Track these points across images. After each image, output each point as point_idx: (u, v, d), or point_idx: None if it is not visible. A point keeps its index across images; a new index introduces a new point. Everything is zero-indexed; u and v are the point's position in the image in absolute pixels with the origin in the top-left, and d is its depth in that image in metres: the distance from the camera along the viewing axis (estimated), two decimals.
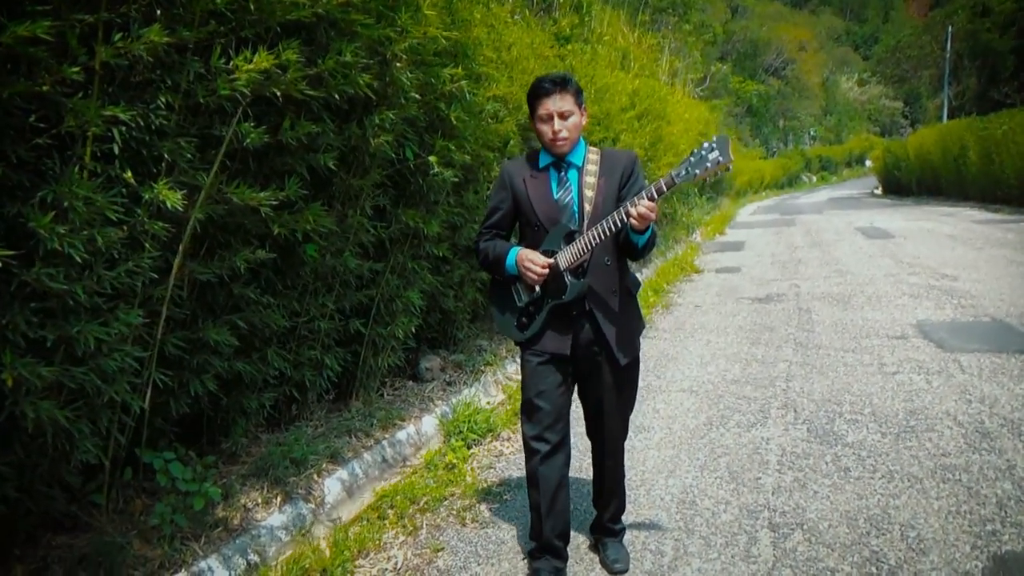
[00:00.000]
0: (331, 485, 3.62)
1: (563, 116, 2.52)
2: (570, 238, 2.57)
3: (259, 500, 3.35)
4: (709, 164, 2.20)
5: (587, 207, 2.58)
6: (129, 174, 2.47)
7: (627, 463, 3.62)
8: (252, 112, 2.97)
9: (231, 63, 2.55)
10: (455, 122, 4.10)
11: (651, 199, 2.32)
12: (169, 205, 2.47)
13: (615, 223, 2.42)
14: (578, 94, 2.58)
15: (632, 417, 4.37)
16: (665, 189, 2.30)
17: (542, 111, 2.55)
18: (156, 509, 2.90)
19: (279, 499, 3.39)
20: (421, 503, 3.29)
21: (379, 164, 3.78)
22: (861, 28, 67.93)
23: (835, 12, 69.39)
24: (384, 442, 4.13)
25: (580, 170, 2.62)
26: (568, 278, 2.57)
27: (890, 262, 9.77)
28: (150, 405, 3.03)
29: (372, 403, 4.50)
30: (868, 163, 42.93)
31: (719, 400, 4.51)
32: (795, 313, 7.00)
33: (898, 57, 36.38)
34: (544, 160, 2.67)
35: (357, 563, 2.85)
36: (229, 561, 2.94)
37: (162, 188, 2.44)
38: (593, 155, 2.65)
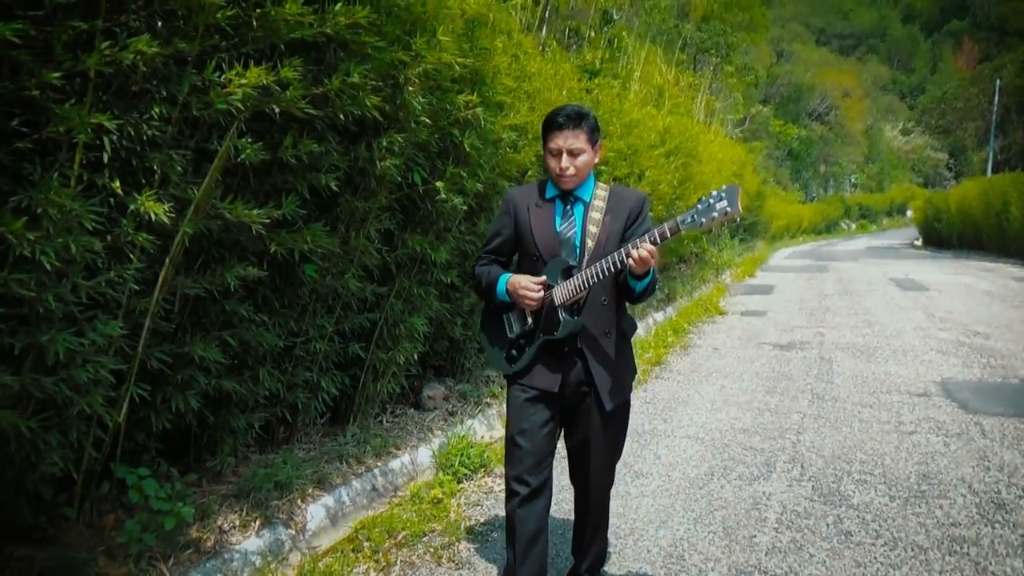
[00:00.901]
0: (314, 511, 3.53)
1: (573, 153, 2.47)
2: (568, 273, 2.51)
3: (237, 523, 3.27)
4: (716, 213, 2.15)
5: (589, 243, 2.51)
6: (117, 184, 2.44)
7: (619, 509, 3.50)
8: (254, 128, 2.96)
9: (223, 76, 2.51)
10: (468, 149, 4.05)
11: (653, 243, 2.27)
12: (153, 217, 2.43)
13: (615, 263, 2.36)
14: (592, 131, 2.52)
15: (630, 462, 4.33)
16: (669, 235, 2.24)
17: (552, 145, 2.50)
18: (126, 526, 2.83)
19: (258, 523, 3.31)
20: (399, 537, 3.18)
21: (386, 187, 3.74)
22: (908, 78, 67.32)
23: (882, 60, 68.90)
24: (376, 470, 4.04)
25: (587, 205, 2.56)
26: (562, 314, 2.50)
27: (921, 315, 9.50)
28: (129, 419, 2.99)
29: (368, 429, 4.41)
30: (909, 213, 42.27)
31: (724, 449, 4.35)
32: (816, 362, 6.80)
33: (944, 108, 35.95)
34: (551, 191, 2.61)
35: None
36: None
37: (146, 200, 2.40)
38: (602, 191, 2.59)
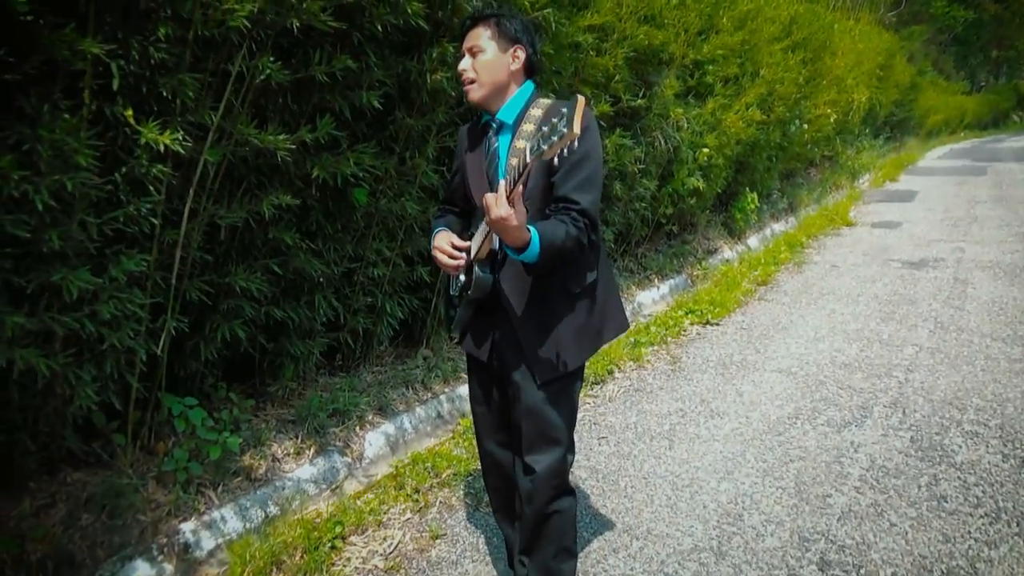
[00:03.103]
0: (373, 439, 3.50)
1: (472, 52, 2.01)
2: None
3: (291, 450, 3.28)
4: (555, 137, 1.56)
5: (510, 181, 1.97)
6: (130, 112, 2.32)
7: (683, 455, 3.26)
8: (281, 45, 2.76)
9: None
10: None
11: (508, 185, 1.72)
12: (161, 147, 2.30)
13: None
14: (500, 28, 2.01)
15: (707, 399, 4.01)
16: (518, 175, 1.70)
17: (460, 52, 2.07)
18: (174, 454, 2.88)
19: (312, 450, 3.31)
20: (443, 476, 3.08)
21: (443, 103, 3.47)
22: None
23: None
24: (443, 396, 3.96)
25: (513, 131, 2.02)
26: (475, 269, 2.05)
27: None
28: (179, 348, 3.01)
29: (441, 353, 4.32)
30: None
31: (818, 388, 3.95)
32: (948, 284, 6.08)
33: None
34: (485, 119, 2.13)
35: (349, 540, 2.70)
36: (246, 512, 2.89)
37: (149, 130, 2.27)
38: (536, 111, 2.00)
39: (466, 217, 2.30)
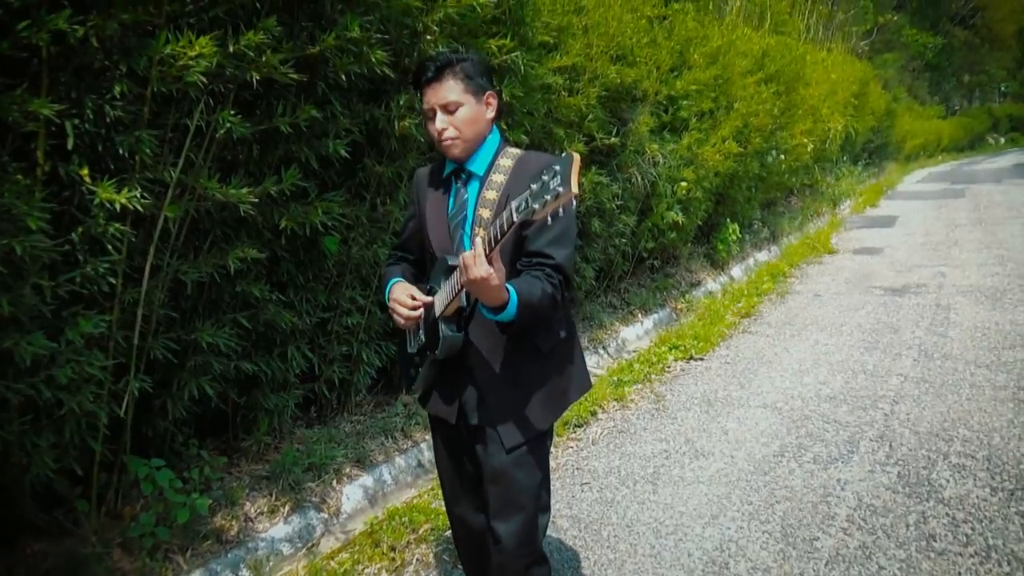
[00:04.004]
0: (351, 492, 3.41)
1: (448, 109, 1.89)
2: (450, 272, 1.89)
3: (265, 508, 3.19)
4: (548, 196, 1.46)
5: (479, 232, 1.88)
6: (85, 171, 2.28)
7: (667, 500, 3.17)
8: (243, 98, 2.73)
9: (170, 48, 2.26)
10: (507, 99, 3.69)
11: (486, 244, 1.63)
12: (118, 206, 2.25)
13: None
14: (470, 77, 1.91)
15: (692, 438, 3.92)
16: (500, 234, 1.60)
17: (424, 106, 1.93)
18: (140, 519, 2.78)
19: (287, 507, 3.21)
20: (420, 531, 2.99)
21: (413, 149, 3.44)
22: None
23: None
24: (423, 444, 3.88)
25: (482, 182, 1.95)
26: (442, 328, 1.91)
27: None
28: (146, 407, 2.92)
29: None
30: None
31: (803, 423, 3.89)
32: (930, 310, 6.07)
33: None
34: (448, 167, 2.03)
35: None
36: None
37: (105, 189, 2.22)
38: (506, 160, 1.95)
39: (419, 266, 2.20)
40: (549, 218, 1.51)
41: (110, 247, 2.39)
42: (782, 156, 8.58)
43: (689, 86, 5.93)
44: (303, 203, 3.03)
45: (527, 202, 1.51)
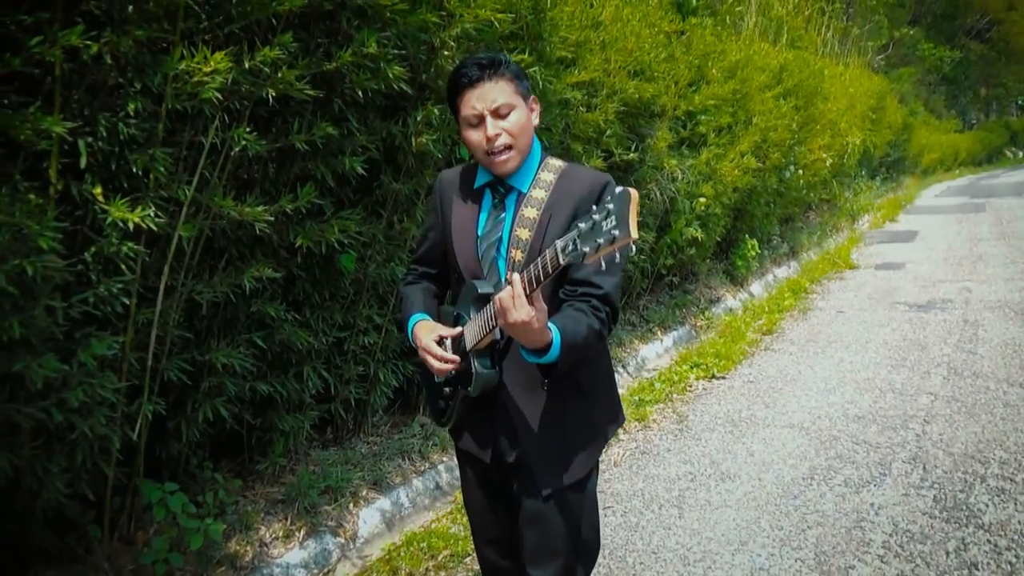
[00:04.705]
0: (368, 516, 3.34)
1: (499, 114, 1.68)
2: (482, 302, 1.71)
3: (280, 533, 3.12)
4: (602, 240, 1.29)
5: (516, 255, 1.70)
6: (98, 190, 2.24)
7: (694, 525, 3.06)
8: (259, 115, 2.69)
9: (184, 64, 2.22)
10: None
11: (526, 284, 1.46)
12: (131, 225, 2.21)
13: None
14: (520, 77, 1.73)
15: (717, 459, 3.77)
16: (542, 274, 1.43)
17: (466, 111, 1.71)
18: (153, 545, 2.72)
19: (303, 532, 3.14)
20: (440, 558, 2.91)
21: (430, 166, 3.39)
22: None
23: None
24: (441, 466, 3.81)
25: (521, 197, 1.76)
26: (475, 363, 1.74)
27: None
28: (160, 430, 2.86)
29: None
30: None
31: (832, 444, 3.78)
32: (958, 327, 5.94)
33: None
34: (481, 178, 1.83)
35: None
36: None
37: (117, 208, 2.17)
38: (548, 175, 1.76)
39: (442, 281, 2.01)
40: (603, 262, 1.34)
41: (123, 267, 2.34)
42: (800, 171, 8.48)
43: (707, 101, 5.87)
44: (319, 221, 2.98)
45: (575, 243, 1.34)
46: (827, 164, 9.44)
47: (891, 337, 5.79)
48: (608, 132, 4.64)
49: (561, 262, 1.37)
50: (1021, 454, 3.51)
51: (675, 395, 4.67)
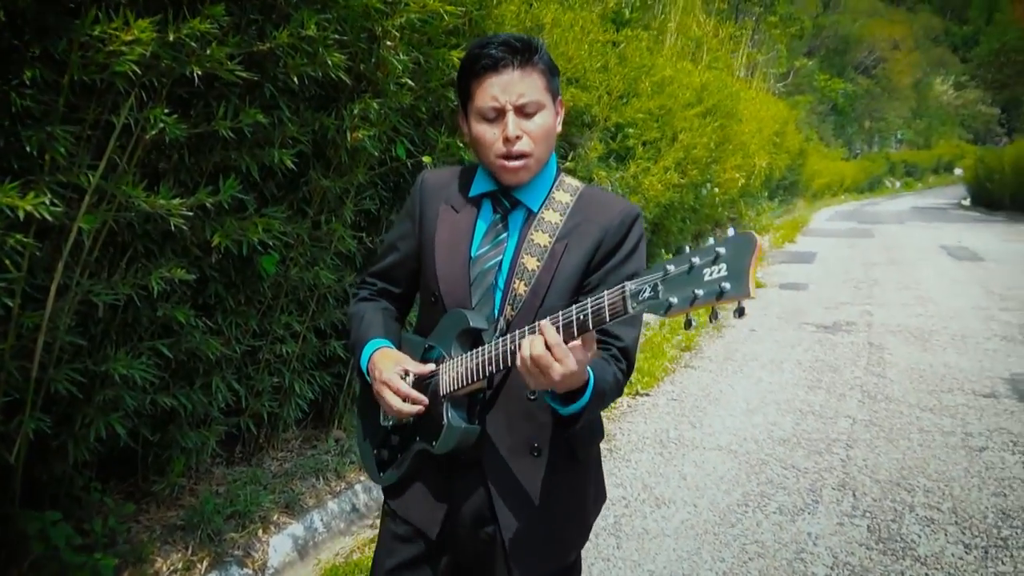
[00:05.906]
0: (279, 543, 3.04)
1: (526, 112, 1.36)
2: (471, 339, 1.41)
3: (179, 564, 2.78)
4: (702, 292, 1.01)
5: (519, 288, 1.40)
6: None
7: (633, 556, 2.93)
8: (179, 95, 2.37)
9: (99, 29, 1.89)
10: None
11: (579, 331, 1.16)
12: (21, 214, 1.86)
13: (503, 355, 1.29)
14: (553, 74, 1.42)
15: (650, 484, 3.58)
16: (591, 323, 1.14)
17: (484, 100, 1.37)
18: None
19: (205, 563, 2.81)
20: None
21: (362, 163, 3.14)
22: (961, 29, 63.90)
23: (934, 10, 65.31)
24: (358, 486, 3.54)
25: (531, 217, 1.44)
26: (448, 412, 1.40)
27: (979, 292, 8.70)
28: (43, 450, 2.48)
29: (353, 435, 3.89)
30: (958, 171, 40.35)
31: (762, 468, 3.74)
32: (865, 349, 6.12)
33: (1001, 61, 34.01)
34: (481, 185, 1.49)
35: None
36: None
37: (6, 192, 1.83)
38: (564, 195, 1.45)
39: (404, 304, 1.67)
40: (619, 275, 1.09)
41: (8, 262, 1.99)
42: (716, 188, 8.64)
43: (636, 114, 5.84)
44: (239, 217, 2.67)
45: (657, 290, 1.04)
46: (738, 184, 9.67)
47: (804, 357, 5.90)
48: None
49: (630, 310, 1.08)
50: (943, 481, 3.56)
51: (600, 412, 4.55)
